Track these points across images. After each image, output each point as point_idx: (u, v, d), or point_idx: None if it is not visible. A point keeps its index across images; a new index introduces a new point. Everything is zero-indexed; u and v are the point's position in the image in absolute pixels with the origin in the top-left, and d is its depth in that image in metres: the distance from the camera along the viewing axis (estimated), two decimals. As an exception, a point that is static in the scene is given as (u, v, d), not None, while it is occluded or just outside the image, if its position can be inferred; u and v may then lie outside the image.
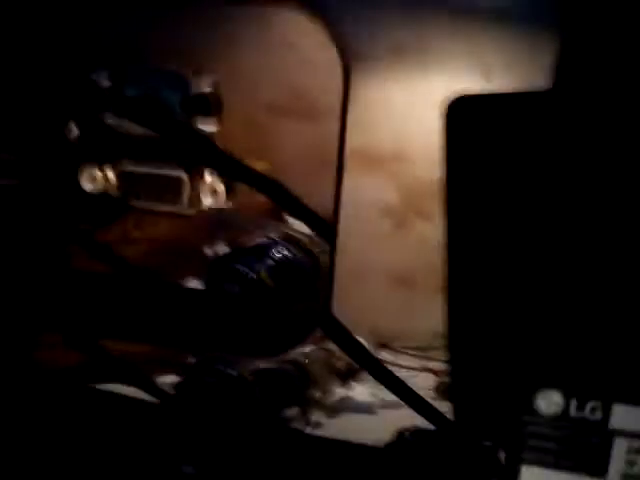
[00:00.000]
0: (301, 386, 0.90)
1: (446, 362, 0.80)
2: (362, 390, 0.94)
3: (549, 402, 0.41)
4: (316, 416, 0.89)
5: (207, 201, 1.07)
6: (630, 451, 0.40)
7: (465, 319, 0.58)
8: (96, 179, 1.08)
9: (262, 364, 0.86)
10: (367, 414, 0.91)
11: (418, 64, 1.64)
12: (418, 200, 1.54)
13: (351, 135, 1.61)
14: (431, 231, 1.62)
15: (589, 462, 0.40)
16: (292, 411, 0.87)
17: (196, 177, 1.08)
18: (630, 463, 0.40)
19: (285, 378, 0.90)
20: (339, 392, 0.94)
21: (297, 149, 1.54)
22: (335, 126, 1.60)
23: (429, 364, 1.03)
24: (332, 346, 0.93)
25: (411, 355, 1.07)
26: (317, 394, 0.93)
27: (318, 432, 0.85)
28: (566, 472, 0.41)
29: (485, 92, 0.57)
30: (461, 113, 0.56)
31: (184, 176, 1.08)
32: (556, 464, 0.41)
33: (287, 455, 0.76)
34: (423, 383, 0.98)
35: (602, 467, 0.40)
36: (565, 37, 0.79)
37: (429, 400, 0.89)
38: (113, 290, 0.75)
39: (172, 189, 1.08)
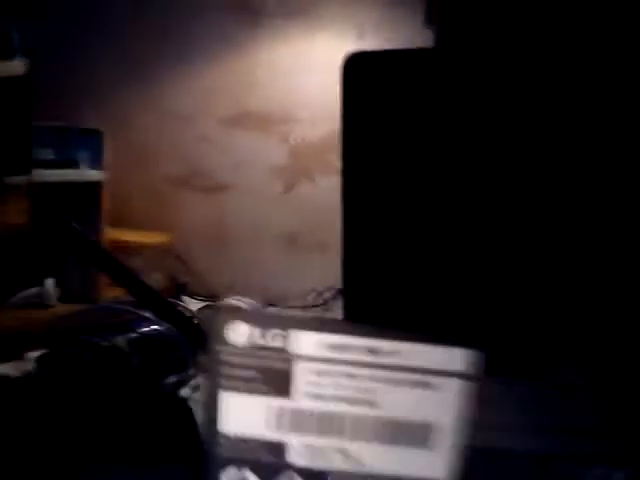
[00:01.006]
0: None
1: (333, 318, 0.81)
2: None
3: (237, 333, 0.45)
4: (199, 379, 0.89)
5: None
6: (310, 373, 0.45)
7: (359, 272, 0.60)
8: None
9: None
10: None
11: (304, 26, 1.65)
12: (305, 161, 1.55)
13: (242, 97, 1.61)
14: (315, 192, 1.64)
15: (276, 385, 0.45)
16: (175, 377, 0.87)
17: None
18: (311, 384, 0.45)
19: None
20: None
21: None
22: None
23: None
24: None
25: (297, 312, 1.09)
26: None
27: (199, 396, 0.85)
28: (259, 395, 0.45)
29: (380, 49, 0.59)
30: (356, 69, 0.58)
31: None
32: (250, 389, 0.45)
33: (168, 421, 0.77)
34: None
35: (287, 389, 0.45)
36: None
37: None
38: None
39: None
